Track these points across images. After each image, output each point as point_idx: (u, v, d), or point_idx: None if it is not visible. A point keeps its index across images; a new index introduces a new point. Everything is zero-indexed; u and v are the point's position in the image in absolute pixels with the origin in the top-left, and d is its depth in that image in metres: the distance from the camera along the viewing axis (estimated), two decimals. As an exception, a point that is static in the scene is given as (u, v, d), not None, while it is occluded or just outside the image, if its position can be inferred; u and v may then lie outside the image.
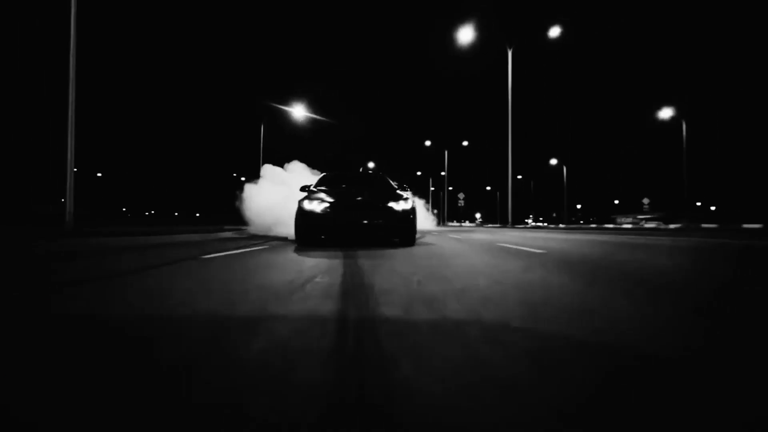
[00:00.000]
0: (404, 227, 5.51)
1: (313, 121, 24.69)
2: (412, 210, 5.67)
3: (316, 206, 5.46)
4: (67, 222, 10.33)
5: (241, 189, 11.77)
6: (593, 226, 33.55)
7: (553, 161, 47.80)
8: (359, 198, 5.68)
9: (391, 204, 5.52)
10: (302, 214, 5.46)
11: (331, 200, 5.55)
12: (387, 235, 5.56)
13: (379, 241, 6.13)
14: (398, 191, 6.06)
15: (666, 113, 28.42)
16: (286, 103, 23.98)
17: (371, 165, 41.63)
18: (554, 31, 19.81)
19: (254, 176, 12.43)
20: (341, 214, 5.46)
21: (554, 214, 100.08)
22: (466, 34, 19.48)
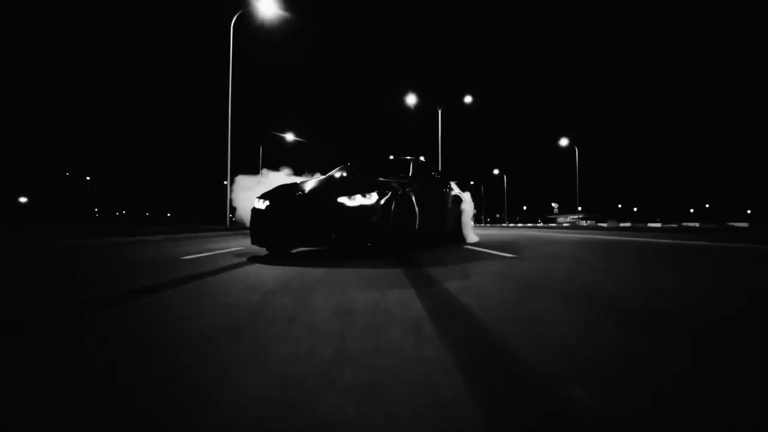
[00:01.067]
0: (358, 231, 3.65)
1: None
2: (381, 207, 3.74)
3: (262, 203, 4.16)
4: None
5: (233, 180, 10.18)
6: (541, 224, 39.06)
7: (496, 171, 57.95)
8: (299, 192, 4.02)
9: (343, 199, 3.74)
10: (253, 213, 4.19)
11: (276, 195, 4.17)
12: (347, 241, 3.68)
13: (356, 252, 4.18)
14: (377, 183, 4.14)
15: (564, 141, 38.06)
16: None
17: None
18: (467, 98, 27.38)
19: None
20: (278, 212, 3.98)
21: (497, 215, 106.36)
22: (411, 98, 26.28)
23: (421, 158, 6.04)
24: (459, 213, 6.65)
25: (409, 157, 5.81)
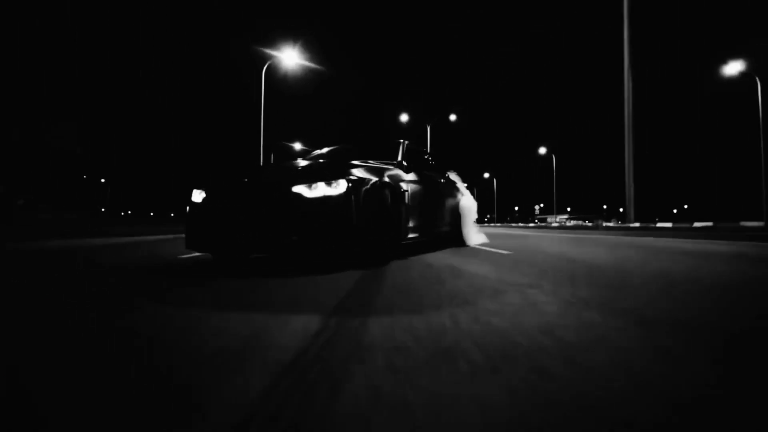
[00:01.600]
0: (317, 231, 2.76)
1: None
2: (351, 198, 2.87)
3: (199, 195, 3.18)
4: None
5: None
6: (532, 225, 40.59)
7: (486, 174, 61.84)
8: (246, 180, 3.05)
9: (300, 188, 2.82)
10: (189, 207, 3.22)
11: (216, 183, 3.17)
12: (309, 244, 2.76)
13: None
14: (345, 167, 3.15)
15: (542, 150, 44.66)
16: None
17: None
18: (452, 116, 32.05)
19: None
20: (218, 206, 3.02)
21: (487, 216, 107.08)
22: (404, 116, 30.86)
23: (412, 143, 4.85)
24: (458, 208, 5.63)
25: (400, 140, 4.55)
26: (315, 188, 2.82)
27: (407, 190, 3.77)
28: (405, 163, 4.12)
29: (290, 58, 17.94)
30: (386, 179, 3.41)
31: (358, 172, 3.10)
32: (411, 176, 3.98)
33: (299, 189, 2.81)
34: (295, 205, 2.76)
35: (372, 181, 3.15)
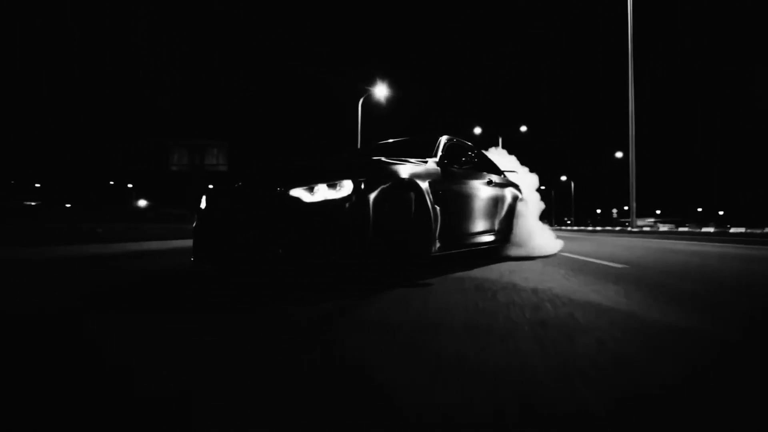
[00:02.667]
0: (314, 242, 2.38)
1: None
2: (357, 203, 2.46)
3: (204, 200, 2.93)
4: None
5: None
6: (618, 228, 35.88)
7: (563, 177, 58.67)
8: (239, 184, 2.72)
9: (298, 191, 2.44)
10: (197, 215, 2.96)
11: (215, 188, 2.92)
12: (301, 257, 2.39)
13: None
14: (349, 166, 2.82)
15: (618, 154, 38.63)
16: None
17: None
18: (523, 128, 29.23)
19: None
20: (212, 214, 2.78)
21: (570, 220, 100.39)
22: (477, 129, 27.86)
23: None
24: (512, 212, 4.68)
25: (441, 136, 3.92)
26: (315, 191, 2.44)
27: (441, 192, 3.21)
28: (444, 161, 3.54)
29: (380, 90, 22.33)
30: (413, 179, 2.91)
31: (373, 171, 2.68)
32: (444, 175, 3.41)
33: (297, 193, 2.43)
34: (289, 212, 2.40)
35: (391, 182, 2.70)
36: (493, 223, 4.25)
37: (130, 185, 64.27)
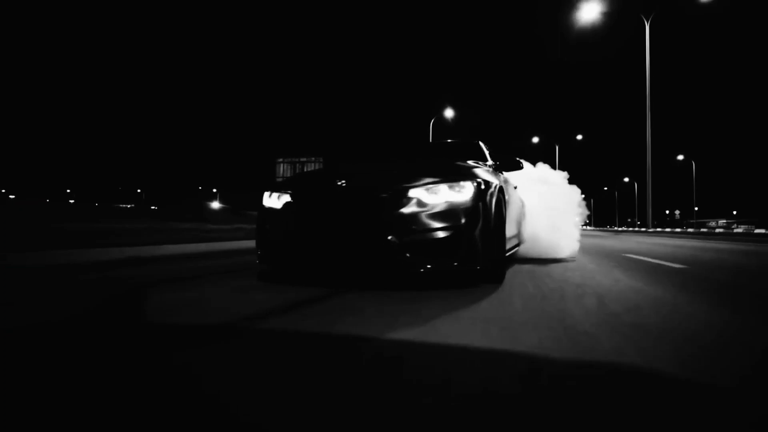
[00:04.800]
0: (441, 248, 2.38)
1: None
2: (481, 206, 2.48)
3: (277, 198, 2.82)
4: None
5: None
6: (691, 230, 35.78)
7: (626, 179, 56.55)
8: (341, 182, 2.61)
9: (418, 192, 2.41)
10: (261, 215, 2.92)
11: (302, 185, 2.90)
12: (424, 263, 2.37)
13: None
14: (462, 168, 2.82)
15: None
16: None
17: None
18: (579, 136, 26.64)
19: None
20: (306, 213, 2.64)
21: (638, 222, 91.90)
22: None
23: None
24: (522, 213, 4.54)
25: (480, 142, 4.11)
26: (436, 192, 2.42)
27: (507, 196, 3.34)
28: (497, 164, 3.71)
29: (447, 112, 27.27)
30: (501, 184, 3.04)
31: (480, 174, 2.66)
32: (503, 181, 3.44)
33: (417, 193, 2.40)
34: (413, 214, 2.35)
35: (493, 185, 2.74)
36: (519, 227, 4.28)
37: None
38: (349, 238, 2.42)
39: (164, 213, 20.90)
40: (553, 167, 5.82)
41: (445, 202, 2.40)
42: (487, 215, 2.52)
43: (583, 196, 5.36)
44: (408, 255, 2.30)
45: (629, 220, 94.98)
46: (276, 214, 2.72)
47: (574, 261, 4.59)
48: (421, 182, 2.44)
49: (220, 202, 50.06)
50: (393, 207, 2.37)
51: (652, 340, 1.48)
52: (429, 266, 2.33)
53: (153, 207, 37.20)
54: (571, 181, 5.38)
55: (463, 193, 2.44)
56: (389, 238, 2.30)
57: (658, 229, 32.67)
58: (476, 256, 2.42)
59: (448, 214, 2.37)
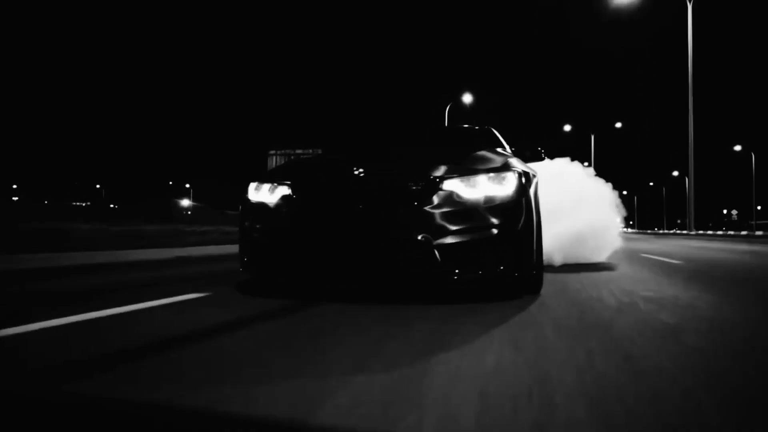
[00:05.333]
0: (486, 251, 2.06)
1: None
2: (525, 201, 2.19)
3: (269, 190, 2.32)
4: None
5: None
6: (761, 233, 31.98)
7: (675, 173, 46.76)
8: (359, 171, 2.28)
9: (453, 183, 2.08)
10: (246, 212, 2.44)
11: (304, 174, 2.47)
12: (463, 268, 2.05)
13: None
14: (496, 156, 2.54)
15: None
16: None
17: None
18: (618, 124, 25.28)
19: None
20: (312, 209, 2.21)
21: (678, 221, 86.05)
22: (567, 126, 21.19)
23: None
24: None
25: (491, 127, 3.77)
26: (476, 184, 2.11)
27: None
28: (514, 151, 3.33)
29: (465, 97, 24.80)
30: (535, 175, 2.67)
31: (518, 163, 2.45)
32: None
33: (453, 185, 2.08)
34: (448, 211, 2.03)
35: (532, 177, 2.45)
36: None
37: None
38: (370, 238, 2.08)
39: (126, 212, 19.41)
40: (588, 160, 5.29)
41: (485, 196, 2.11)
42: (530, 212, 2.25)
43: (625, 192, 4.80)
44: (443, 259, 2.02)
45: (678, 221, 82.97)
46: (267, 210, 2.30)
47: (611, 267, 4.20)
48: (457, 173, 2.15)
49: (195, 199, 47.86)
50: (425, 201, 2.06)
51: None
52: (469, 273, 2.08)
53: (112, 205, 35.05)
54: (607, 178, 4.97)
55: (505, 186, 2.15)
56: (419, 237, 2.01)
57: (700, 232, 29.14)
58: (522, 260, 2.19)
59: (491, 211, 2.10)
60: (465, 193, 2.08)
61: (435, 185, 2.08)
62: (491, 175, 2.15)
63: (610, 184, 4.77)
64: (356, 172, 2.26)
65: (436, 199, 2.05)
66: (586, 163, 5.13)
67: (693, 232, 20.67)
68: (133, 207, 26.42)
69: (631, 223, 77.46)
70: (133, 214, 17.51)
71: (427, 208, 2.03)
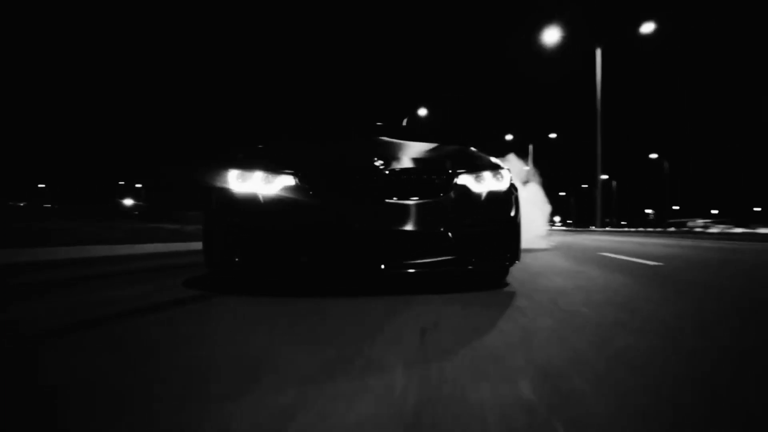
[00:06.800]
0: (496, 242, 2.19)
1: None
2: (516, 197, 2.34)
3: (256, 184, 2.09)
4: None
5: None
6: (672, 230, 37.98)
7: (605, 176, 52.57)
8: (380, 163, 2.12)
9: (467, 179, 2.16)
10: (222, 205, 2.13)
11: (304, 168, 2.14)
12: (480, 261, 2.12)
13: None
14: (482, 155, 2.56)
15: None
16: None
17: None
18: (553, 135, 27.53)
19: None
20: (319, 199, 2.04)
21: (622, 221, 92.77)
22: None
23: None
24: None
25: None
26: (481, 180, 2.20)
27: None
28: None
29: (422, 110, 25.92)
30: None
31: (498, 160, 2.56)
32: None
33: (465, 180, 2.16)
34: (464, 205, 2.11)
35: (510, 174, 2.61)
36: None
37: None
38: (396, 231, 2.00)
39: (64, 212, 18.47)
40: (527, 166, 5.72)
41: (489, 191, 2.19)
42: (518, 206, 2.36)
43: (562, 193, 5.43)
44: (462, 250, 2.06)
45: (607, 219, 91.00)
46: (264, 202, 2.05)
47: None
48: (465, 168, 2.19)
49: (145, 201, 45.65)
50: (446, 194, 2.11)
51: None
52: (483, 262, 2.12)
53: (47, 205, 32.74)
54: (545, 182, 5.59)
55: (503, 182, 2.25)
56: (442, 229, 2.05)
57: (607, 229, 37.50)
58: (518, 249, 2.32)
59: (496, 204, 2.20)
60: (475, 188, 2.16)
61: (452, 179, 2.13)
62: (492, 171, 2.23)
63: (540, 188, 5.43)
64: (377, 164, 2.10)
65: (453, 193, 2.10)
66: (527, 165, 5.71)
67: (599, 229, 27.01)
68: (74, 207, 25.11)
69: (569, 222, 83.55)
70: (74, 214, 16.86)
71: (446, 201, 2.08)
